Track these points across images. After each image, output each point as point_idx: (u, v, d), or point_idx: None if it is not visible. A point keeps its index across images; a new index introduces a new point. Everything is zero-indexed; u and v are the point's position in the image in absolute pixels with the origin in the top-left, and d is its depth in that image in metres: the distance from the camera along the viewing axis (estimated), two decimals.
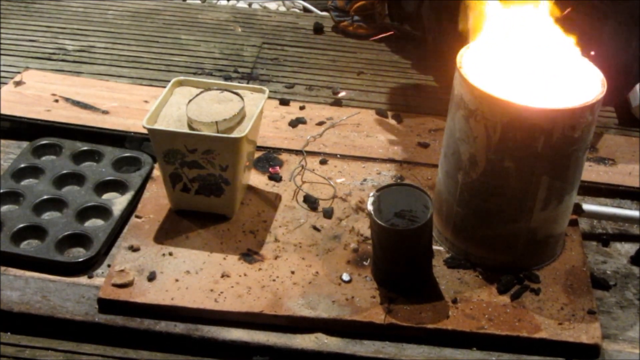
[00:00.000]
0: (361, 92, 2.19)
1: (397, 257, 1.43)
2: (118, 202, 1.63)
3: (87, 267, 1.49)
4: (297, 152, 1.84)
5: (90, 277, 1.48)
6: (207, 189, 1.57)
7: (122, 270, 1.46)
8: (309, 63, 2.34)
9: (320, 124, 1.97)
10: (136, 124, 1.88)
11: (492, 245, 1.52)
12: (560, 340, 1.39)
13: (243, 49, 2.39)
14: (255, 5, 2.90)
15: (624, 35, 1.91)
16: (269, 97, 1.66)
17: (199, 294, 1.43)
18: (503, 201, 1.46)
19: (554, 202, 1.47)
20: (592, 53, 1.48)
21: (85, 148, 1.78)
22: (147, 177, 1.71)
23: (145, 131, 1.53)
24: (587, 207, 1.67)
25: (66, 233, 1.54)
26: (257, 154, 1.79)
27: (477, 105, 1.39)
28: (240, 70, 2.25)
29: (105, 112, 1.95)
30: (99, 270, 1.50)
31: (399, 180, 1.76)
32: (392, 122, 2.01)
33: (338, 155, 1.84)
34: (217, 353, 1.38)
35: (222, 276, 1.47)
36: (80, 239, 1.54)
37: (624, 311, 1.50)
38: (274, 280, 1.47)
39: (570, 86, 1.43)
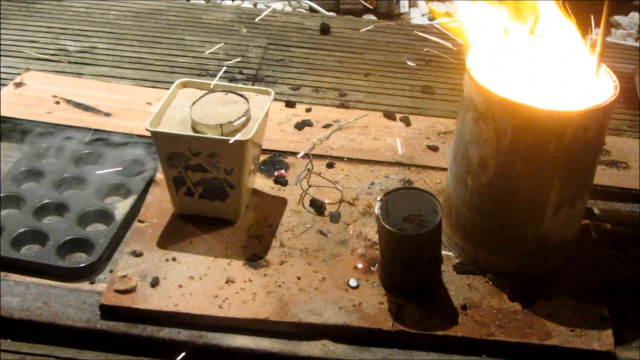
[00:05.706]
0: (368, 94, 2.16)
1: (406, 262, 1.41)
2: (120, 206, 1.61)
3: (89, 273, 1.47)
4: (304, 155, 1.81)
5: (92, 282, 1.46)
6: (211, 192, 1.55)
7: (124, 276, 1.44)
8: (316, 64, 2.32)
9: (327, 126, 1.94)
10: (139, 127, 1.86)
11: (502, 250, 1.50)
12: (572, 347, 1.37)
13: (248, 50, 2.37)
14: (260, 6, 2.89)
15: None
16: (275, 99, 1.64)
17: (203, 300, 1.41)
18: (514, 205, 1.44)
19: (565, 206, 1.44)
20: None
21: (87, 151, 1.76)
22: (150, 181, 1.69)
23: (147, 133, 1.52)
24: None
25: (67, 238, 1.52)
26: (263, 157, 1.77)
27: (487, 108, 1.37)
28: (245, 71, 2.23)
29: (107, 114, 1.93)
30: (101, 276, 1.48)
31: (407, 184, 1.74)
32: (400, 124, 1.99)
33: (345, 159, 1.82)
34: None
35: (227, 282, 1.45)
36: (81, 244, 1.52)
37: (637, 318, 1.47)
38: (279, 286, 1.45)
39: (582, 88, 1.41)
